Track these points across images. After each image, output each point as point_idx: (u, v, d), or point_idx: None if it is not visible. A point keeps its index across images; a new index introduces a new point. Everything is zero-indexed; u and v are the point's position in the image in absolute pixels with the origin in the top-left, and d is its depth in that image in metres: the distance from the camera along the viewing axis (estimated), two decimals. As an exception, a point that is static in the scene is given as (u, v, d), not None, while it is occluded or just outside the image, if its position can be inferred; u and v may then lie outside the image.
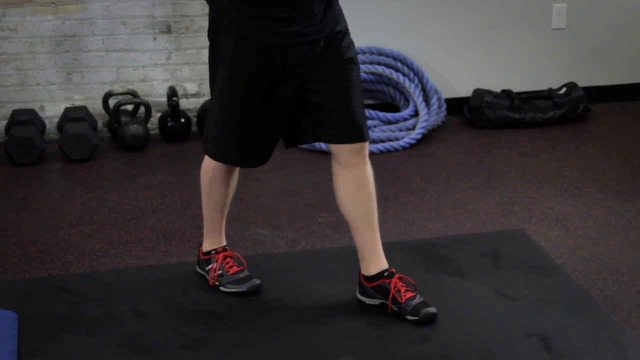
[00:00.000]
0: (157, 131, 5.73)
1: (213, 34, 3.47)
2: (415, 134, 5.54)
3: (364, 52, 5.76)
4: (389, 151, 5.45)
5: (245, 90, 3.42)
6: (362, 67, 5.68)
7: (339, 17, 3.47)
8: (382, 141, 5.50)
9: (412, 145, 5.52)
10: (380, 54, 5.77)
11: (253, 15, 3.33)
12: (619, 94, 6.25)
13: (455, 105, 5.99)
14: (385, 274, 3.62)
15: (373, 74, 5.75)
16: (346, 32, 3.48)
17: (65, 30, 5.56)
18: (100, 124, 5.71)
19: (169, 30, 5.68)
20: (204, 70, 5.74)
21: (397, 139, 5.54)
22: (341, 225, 4.48)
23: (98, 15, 5.59)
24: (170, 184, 5.05)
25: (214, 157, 3.58)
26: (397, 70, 5.75)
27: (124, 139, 5.48)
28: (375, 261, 3.64)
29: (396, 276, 3.62)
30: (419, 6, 5.89)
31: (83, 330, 3.53)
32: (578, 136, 5.70)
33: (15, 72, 5.58)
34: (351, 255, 3.84)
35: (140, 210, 4.72)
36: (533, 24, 6.05)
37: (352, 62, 3.50)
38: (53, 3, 5.52)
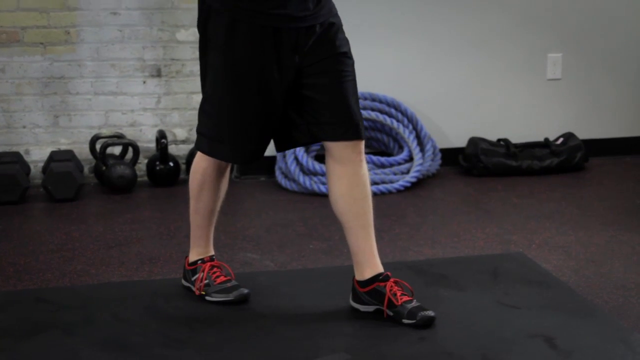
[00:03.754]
0: (145, 177, 5.57)
1: (203, 22, 3.36)
2: (410, 177, 5.39)
3: (357, 98, 5.64)
4: (382, 193, 5.29)
5: (238, 78, 3.30)
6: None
7: (333, 10, 3.40)
8: (376, 183, 5.34)
9: (406, 189, 5.36)
10: (374, 100, 5.65)
11: (243, -3, 3.24)
12: (617, 147, 6.10)
13: (449, 156, 5.85)
14: (380, 277, 3.44)
15: (366, 119, 5.62)
16: (341, 27, 3.41)
17: (53, 71, 5.45)
18: (86, 169, 5.55)
19: (158, 74, 5.58)
20: (194, 116, 5.62)
21: (391, 182, 5.38)
22: (334, 250, 4.32)
23: (87, 56, 5.48)
24: (156, 219, 4.87)
25: (206, 152, 3.43)
26: (390, 116, 5.62)
27: (111, 179, 5.31)
28: (370, 264, 3.46)
29: (391, 279, 3.44)
30: (414, 54, 5.80)
31: (60, 332, 3.34)
32: (576, 182, 5.55)
33: (0, 113, 5.45)
34: (345, 273, 3.67)
35: (125, 238, 4.53)
36: (528, 73, 5.94)
37: (347, 56, 3.42)
38: (41, 43, 5.42)
